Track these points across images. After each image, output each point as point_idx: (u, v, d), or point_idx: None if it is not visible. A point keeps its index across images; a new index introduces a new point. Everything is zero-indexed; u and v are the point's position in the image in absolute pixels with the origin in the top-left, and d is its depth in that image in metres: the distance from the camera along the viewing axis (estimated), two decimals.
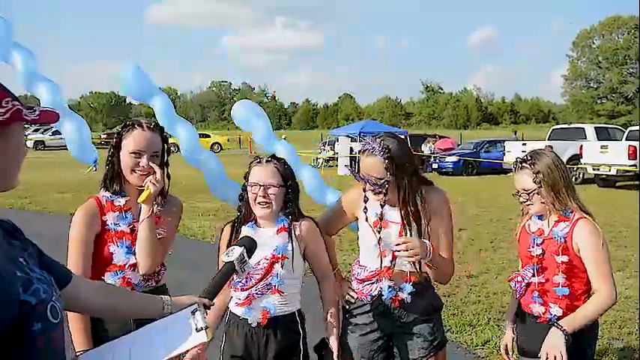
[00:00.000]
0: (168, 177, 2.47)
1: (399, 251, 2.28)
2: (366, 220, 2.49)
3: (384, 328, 2.49)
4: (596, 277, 2.38)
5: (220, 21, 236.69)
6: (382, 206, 2.44)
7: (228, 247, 2.37)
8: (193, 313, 1.64)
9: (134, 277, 2.36)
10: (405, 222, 2.39)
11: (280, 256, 2.35)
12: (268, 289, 2.34)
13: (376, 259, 2.46)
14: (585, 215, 2.44)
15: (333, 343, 2.40)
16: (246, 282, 2.35)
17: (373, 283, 2.46)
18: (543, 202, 2.44)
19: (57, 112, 1.38)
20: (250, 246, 2.02)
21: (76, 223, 2.35)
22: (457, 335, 4.86)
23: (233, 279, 2.27)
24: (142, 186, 2.34)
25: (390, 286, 2.42)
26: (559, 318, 2.42)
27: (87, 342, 2.26)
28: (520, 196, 2.51)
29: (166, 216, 2.47)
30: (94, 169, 2.86)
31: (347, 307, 2.57)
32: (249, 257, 1.99)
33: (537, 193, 2.44)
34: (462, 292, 6.01)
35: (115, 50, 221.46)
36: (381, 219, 2.45)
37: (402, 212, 2.39)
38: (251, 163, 2.45)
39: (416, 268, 2.43)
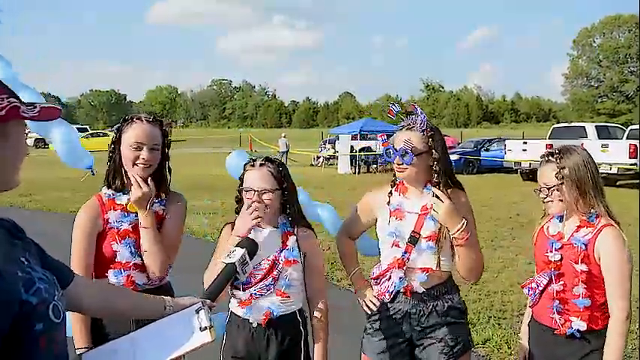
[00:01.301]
0: (169, 170, 2.50)
1: (435, 197, 2.29)
2: (388, 203, 2.47)
3: (403, 332, 2.44)
4: (613, 293, 2.20)
5: (221, 20, 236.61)
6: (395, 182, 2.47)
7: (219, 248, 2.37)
8: (197, 311, 1.63)
9: (138, 276, 2.37)
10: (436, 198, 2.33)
11: (292, 260, 2.33)
12: (268, 290, 2.31)
13: (391, 253, 2.43)
14: (612, 222, 2.26)
15: None
16: (247, 282, 2.33)
17: (387, 279, 2.41)
18: (562, 201, 2.28)
19: (59, 108, 1.35)
20: (251, 248, 2.01)
21: (79, 223, 2.37)
22: None
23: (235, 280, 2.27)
24: (147, 178, 2.36)
25: (401, 277, 2.38)
26: (582, 332, 2.26)
27: (87, 341, 2.28)
28: (540, 191, 2.35)
29: (169, 213, 2.47)
30: (92, 173, 2.83)
31: (368, 312, 2.54)
32: (251, 259, 1.99)
33: (557, 190, 2.28)
34: (462, 291, 5.98)
35: (116, 49, 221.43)
36: (394, 186, 2.46)
37: (436, 190, 2.33)
38: (245, 165, 2.42)
39: (438, 264, 2.37)
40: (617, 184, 16.76)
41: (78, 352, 2.20)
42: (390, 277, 2.40)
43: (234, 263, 1.91)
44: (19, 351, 1.18)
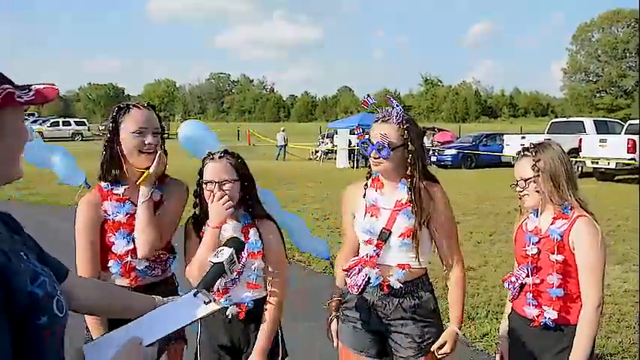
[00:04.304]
0: (166, 154, 2.47)
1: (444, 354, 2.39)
2: (364, 196, 2.47)
3: (371, 323, 2.45)
4: (585, 280, 2.26)
5: (220, 15, 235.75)
6: (370, 175, 2.47)
7: (191, 242, 2.42)
8: (195, 295, 1.63)
9: (138, 263, 2.37)
10: (411, 201, 2.33)
11: (256, 252, 2.37)
12: (234, 284, 2.36)
13: (364, 249, 2.44)
14: (585, 214, 2.32)
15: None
16: None
17: (357, 272, 2.41)
18: (539, 191, 2.34)
19: (55, 88, 1.25)
20: (239, 247, 2.04)
21: (80, 215, 2.36)
22: None
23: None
24: (147, 168, 2.35)
25: (377, 274, 2.37)
26: (554, 321, 2.31)
27: (104, 329, 2.26)
28: (517, 185, 2.41)
29: (168, 199, 2.47)
30: (87, 187, 2.85)
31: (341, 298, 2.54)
32: (238, 257, 2.01)
33: (534, 182, 2.34)
34: None
35: (115, 43, 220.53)
36: (365, 184, 2.47)
37: (411, 193, 2.33)
38: (204, 159, 2.43)
39: (418, 261, 2.37)
40: (615, 179, 16.80)
41: (86, 341, 2.20)
42: (360, 271, 2.41)
43: (222, 262, 1.92)
44: (23, 344, 1.17)
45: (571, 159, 2.46)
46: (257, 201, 2.47)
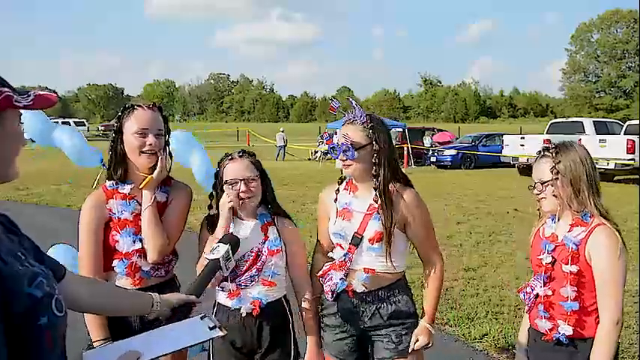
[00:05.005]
0: (171, 156, 2.47)
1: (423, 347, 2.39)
2: (335, 200, 2.46)
3: (352, 330, 2.46)
4: (604, 294, 2.09)
5: (219, 13, 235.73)
6: (342, 181, 2.47)
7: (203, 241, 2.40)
8: (202, 319, 1.64)
9: (143, 263, 2.36)
10: (379, 204, 2.32)
11: (275, 249, 2.37)
12: (252, 281, 2.35)
13: (335, 253, 2.45)
14: (606, 222, 2.14)
15: None
16: (234, 274, 2.35)
17: (330, 278, 2.41)
18: (556, 196, 2.18)
19: (54, 95, 1.27)
20: (234, 243, 2.03)
21: (84, 213, 2.35)
22: (455, 328, 4.86)
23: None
24: (151, 168, 2.34)
25: (342, 278, 2.38)
26: (569, 337, 2.15)
27: (104, 332, 2.26)
28: (534, 187, 2.25)
29: (174, 201, 2.46)
30: (105, 167, 2.81)
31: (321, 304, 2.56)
32: (234, 254, 2.01)
33: (552, 185, 2.18)
34: (459, 286, 6.01)
35: (113, 42, 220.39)
36: (340, 186, 2.47)
37: (378, 194, 2.31)
38: (221, 160, 2.43)
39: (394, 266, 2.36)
40: (615, 179, 16.80)
41: (95, 344, 2.21)
42: (332, 277, 2.41)
43: (218, 259, 1.92)
44: (25, 345, 1.17)
45: None
46: (274, 198, 2.49)
